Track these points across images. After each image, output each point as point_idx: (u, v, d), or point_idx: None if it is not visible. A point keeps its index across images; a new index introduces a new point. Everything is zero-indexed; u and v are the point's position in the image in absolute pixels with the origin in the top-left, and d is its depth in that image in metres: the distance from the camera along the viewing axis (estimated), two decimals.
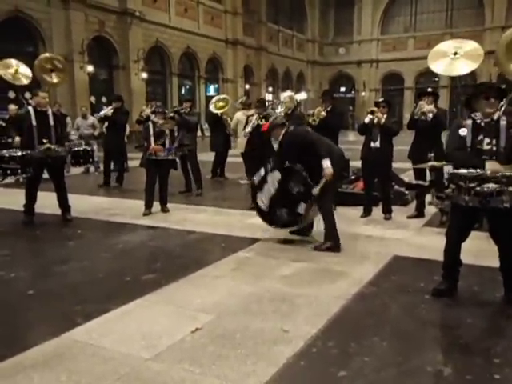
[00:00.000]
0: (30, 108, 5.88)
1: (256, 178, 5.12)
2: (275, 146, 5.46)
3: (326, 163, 4.56)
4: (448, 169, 3.50)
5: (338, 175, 5.01)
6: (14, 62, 7.13)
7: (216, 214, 6.54)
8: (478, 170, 3.17)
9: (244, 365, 2.61)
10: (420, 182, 3.74)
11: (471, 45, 5.68)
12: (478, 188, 3.13)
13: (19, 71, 6.99)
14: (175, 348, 2.79)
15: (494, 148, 3.27)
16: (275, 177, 4.92)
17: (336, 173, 4.72)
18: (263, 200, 4.97)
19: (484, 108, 3.36)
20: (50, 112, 5.93)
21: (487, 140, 3.30)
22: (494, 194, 3.10)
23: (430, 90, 6.34)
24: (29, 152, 5.64)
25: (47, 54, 8.02)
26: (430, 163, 3.80)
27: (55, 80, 7.23)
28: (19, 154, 5.64)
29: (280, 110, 7.10)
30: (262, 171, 5.08)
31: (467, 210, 3.31)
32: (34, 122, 5.73)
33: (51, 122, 5.85)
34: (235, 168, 9.84)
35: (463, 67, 5.64)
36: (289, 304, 3.42)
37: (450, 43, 5.84)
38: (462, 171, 3.23)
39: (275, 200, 4.93)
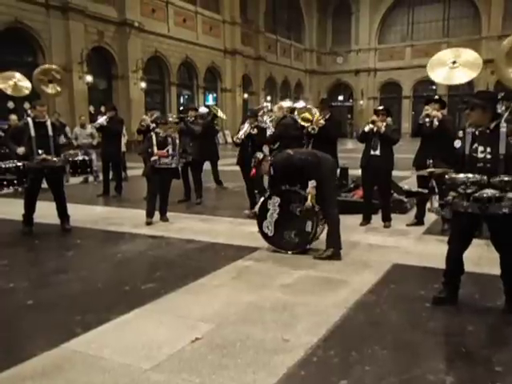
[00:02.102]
0: (29, 119, 5.92)
1: (257, 208, 5.22)
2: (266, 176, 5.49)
3: (311, 184, 4.68)
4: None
5: (332, 179, 5.11)
6: (15, 75, 7.18)
7: (215, 223, 6.53)
8: (476, 176, 3.22)
9: (244, 374, 2.59)
10: (420, 190, 3.77)
11: (470, 54, 5.70)
12: (476, 194, 3.19)
13: (19, 83, 7.03)
14: (175, 358, 2.77)
15: (488, 156, 3.33)
16: (275, 202, 4.97)
17: (330, 178, 4.91)
18: (268, 227, 5.01)
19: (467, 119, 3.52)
20: (48, 123, 5.95)
21: (481, 148, 3.36)
22: (493, 200, 3.14)
23: (436, 97, 6.33)
24: (26, 163, 5.65)
25: (46, 66, 8.06)
26: (429, 169, 3.82)
27: (53, 91, 7.27)
28: (16, 164, 5.64)
29: (266, 118, 7.10)
30: (261, 200, 5.17)
31: (468, 216, 3.35)
32: (32, 133, 5.76)
33: (50, 133, 5.88)
34: (232, 177, 9.84)
35: (462, 76, 5.65)
36: (289, 313, 3.41)
37: (449, 52, 5.86)
38: (461, 175, 3.28)
39: (280, 224, 4.95)
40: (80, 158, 6.28)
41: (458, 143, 3.50)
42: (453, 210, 3.38)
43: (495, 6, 32.85)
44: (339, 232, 4.79)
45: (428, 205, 5.74)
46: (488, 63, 6.81)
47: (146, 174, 6.60)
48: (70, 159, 6.13)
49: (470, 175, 3.24)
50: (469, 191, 3.20)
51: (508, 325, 3.27)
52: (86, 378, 2.56)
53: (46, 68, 7.57)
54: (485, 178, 3.20)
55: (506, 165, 3.26)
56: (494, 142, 3.32)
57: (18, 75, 7.20)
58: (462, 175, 3.28)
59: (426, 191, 3.67)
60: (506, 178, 3.15)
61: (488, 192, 3.16)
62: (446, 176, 3.40)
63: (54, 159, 5.81)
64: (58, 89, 7.27)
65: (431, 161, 3.94)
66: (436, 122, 5.73)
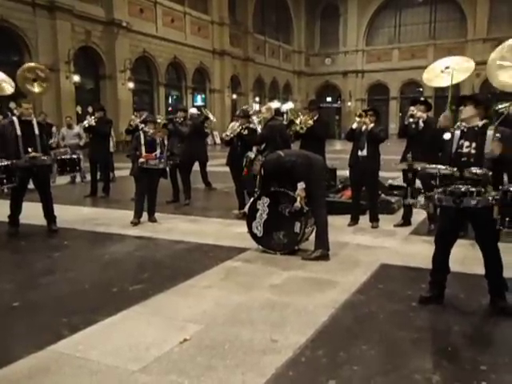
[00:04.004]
0: (14, 118, 5.84)
1: (246, 208, 5.23)
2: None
3: (300, 185, 4.71)
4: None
5: (322, 180, 5.14)
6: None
7: (204, 224, 6.51)
8: (448, 168, 3.31)
9: (233, 375, 2.59)
10: (401, 184, 3.84)
11: (463, 60, 5.88)
12: (451, 188, 3.27)
13: (2, 84, 6.94)
14: (163, 359, 2.76)
15: (473, 151, 3.40)
16: (264, 202, 4.99)
17: (320, 179, 4.94)
18: (258, 227, 5.02)
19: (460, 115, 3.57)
20: (34, 121, 5.88)
21: (466, 143, 3.44)
22: (467, 194, 3.22)
23: (422, 99, 6.40)
24: (14, 161, 5.58)
25: (30, 64, 7.98)
26: (408, 163, 3.87)
27: (38, 89, 7.19)
28: (4, 163, 5.55)
29: (255, 119, 7.13)
30: (251, 200, 5.18)
31: (452, 215, 3.41)
32: (18, 132, 5.69)
33: (36, 131, 5.81)
34: (221, 178, 9.83)
35: (458, 77, 5.84)
36: (278, 313, 3.41)
37: (442, 61, 6.03)
38: (432, 166, 3.37)
39: (269, 224, 4.96)
40: (68, 156, 6.17)
41: (447, 136, 3.56)
42: (433, 205, 3.47)
43: (481, 9, 33.31)
44: (327, 233, 4.82)
45: (408, 199, 5.85)
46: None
47: (134, 174, 6.56)
48: (59, 157, 6.05)
49: (442, 167, 3.32)
50: (442, 184, 3.29)
51: (493, 324, 3.32)
52: (73, 381, 2.54)
53: (31, 66, 7.49)
54: (455, 169, 3.28)
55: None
56: (480, 139, 3.39)
57: (2, 76, 7.11)
58: (433, 166, 3.36)
59: (405, 185, 3.73)
60: (479, 171, 3.22)
61: (463, 187, 3.23)
62: (419, 168, 3.48)
63: (44, 157, 5.73)
64: (44, 85, 7.18)
65: (410, 155, 4.04)
66: (421, 124, 5.81)
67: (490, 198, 3.18)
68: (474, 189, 3.21)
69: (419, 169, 3.51)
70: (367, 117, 6.04)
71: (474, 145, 3.40)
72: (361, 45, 38.46)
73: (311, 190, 4.77)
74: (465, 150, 3.43)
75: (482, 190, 3.21)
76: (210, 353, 2.83)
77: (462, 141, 3.46)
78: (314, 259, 4.69)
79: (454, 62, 6.00)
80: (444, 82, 6.11)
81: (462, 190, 3.23)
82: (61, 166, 6.04)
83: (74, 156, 6.28)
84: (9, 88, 7.18)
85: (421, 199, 3.62)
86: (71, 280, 4.23)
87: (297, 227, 4.85)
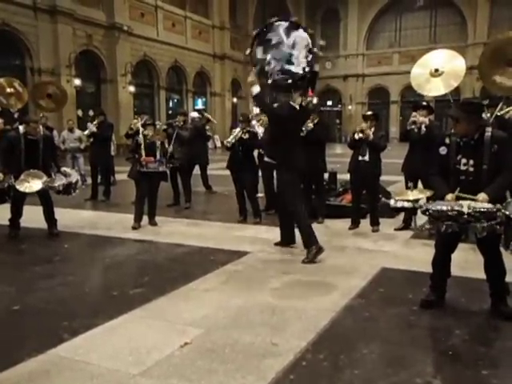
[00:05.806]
0: (21, 129, 5.79)
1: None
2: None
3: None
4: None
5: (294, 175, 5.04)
6: (15, 84, 7.21)
7: (205, 227, 6.51)
8: (455, 207, 3.16)
9: (233, 380, 2.58)
10: (405, 205, 3.75)
11: (455, 61, 5.82)
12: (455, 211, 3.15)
13: (15, 92, 7.05)
14: (164, 363, 2.75)
15: (471, 169, 3.34)
16: None
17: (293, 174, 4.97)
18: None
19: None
20: (40, 139, 5.84)
21: (464, 160, 3.36)
22: (471, 222, 3.13)
23: (424, 103, 6.38)
24: (10, 182, 5.52)
25: (46, 80, 8.21)
26: (412, 196, 3.80)
27: (54, 105, 7.36)
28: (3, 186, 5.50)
29: (255, 123, 7.14)
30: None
31: None
32: (22, 146, 5.71)
33: (40, 146, 5.82)
34: (222, 181, 9.84)
35: (441, 87, 5.81)
36: (278, 317, 3.41)
37: (433, 56, 5.98)
38: (438, 208, 3.23)
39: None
40: (64, 181, 5.93)
41: (443, 150, 3.49)
42: (437, 229, 3.36)
43: (481, 13, 33.37)
44: (308, 225, 4.88)
45: (412, 224, 5.90)
46: (474, 69, 6.91)
47: (133, 177, 6.55)
48: (51, 189, 5.88)
49: (449, 208, 3.17)
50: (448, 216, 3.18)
51: (494, 328, 3.31)
52: None
53: (47, 81, 7.71)
54: (463, 209, 3.12)
55: (489, 174, 3.28)
56: (477, 153, 3.32)
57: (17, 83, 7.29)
58: (439, 207, 3.23)
59: (410, 206, 3.63)
60: (482, 209, 3.10)
61: (465, 214, 3.10)
62: (422, 204, 3.36)
63: (39, 186, 5.61)
64: (57, 104, 7.38)
65: (411, 184, 4.07)
66: (424, 128, 5.82)
67: (494, 222, 3.09)
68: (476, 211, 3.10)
69: (425, 206, 3.33)
70: (368, 122, 6.05)
71: (471, 162, 3.32)
72: (361, 49, 38.52)
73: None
74: (462, 167, 3.35)
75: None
76: (211, 356, 2.82)
77: (459, 156, 3.37)
78: (313, 257, 4.71)
79: (442, 61, 5.93)
80: (436, 89, 6.09)
81: (464, 217, 3.10)
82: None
83: (73, 181, 6.10)
84: (17, 105, 7.38)
85: (427, 225, 3.53)
86: (71, 283, 4.22)
87: None
